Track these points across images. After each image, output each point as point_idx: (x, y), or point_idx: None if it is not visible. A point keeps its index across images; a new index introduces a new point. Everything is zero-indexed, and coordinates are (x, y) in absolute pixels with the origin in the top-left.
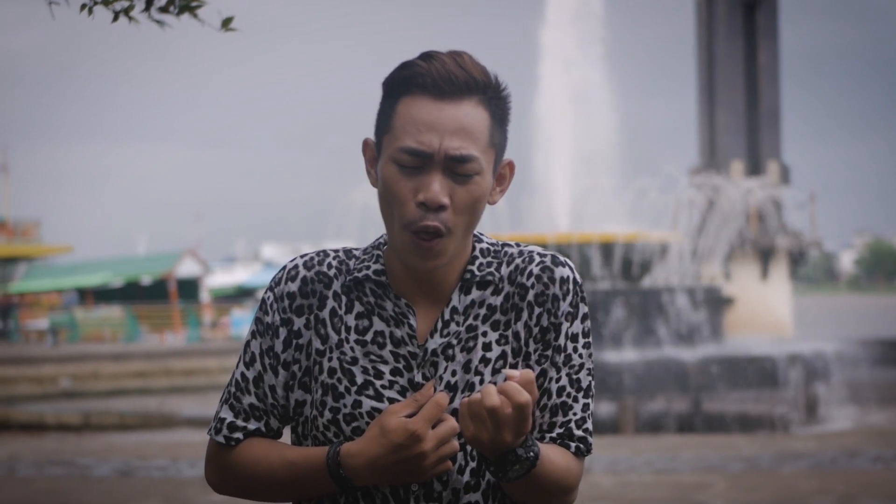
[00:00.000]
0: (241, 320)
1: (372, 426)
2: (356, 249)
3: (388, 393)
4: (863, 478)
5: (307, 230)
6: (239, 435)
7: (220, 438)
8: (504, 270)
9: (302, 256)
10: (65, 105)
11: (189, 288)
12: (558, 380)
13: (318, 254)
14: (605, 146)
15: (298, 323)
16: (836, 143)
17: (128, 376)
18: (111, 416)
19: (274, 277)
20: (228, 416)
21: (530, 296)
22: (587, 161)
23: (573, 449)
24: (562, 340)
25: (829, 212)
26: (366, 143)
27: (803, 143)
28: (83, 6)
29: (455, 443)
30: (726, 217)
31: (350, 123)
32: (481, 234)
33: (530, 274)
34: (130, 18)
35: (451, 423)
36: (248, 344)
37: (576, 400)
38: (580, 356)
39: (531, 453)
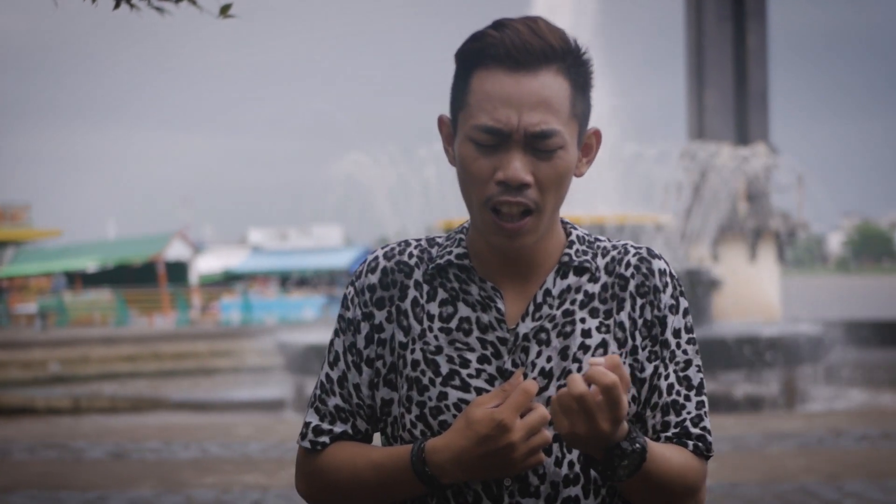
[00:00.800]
0: (231, 306)
1: (458, 419)
2: (439, 237)
3: (475, 382)
4: (849, 457)
5: (295, 215)
6: (325, 439)
7: (307, 444)
8: (600, 261)
9: (382, 247)
10: (53, 88)
11: (178, 271)
12: (667, 377)
13: (399, 244)
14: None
15: (380, 316)
16: (824, 124)
17: (117, 360)
18: (101, 400)
19: (354, 271)
20: (314, 419)
21: (631, 286)
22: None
23: (691, 447)
24: (668, 335)
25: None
26: (441, 121)
27: (791, 125)
28: None
29: (546, 433)
30: (715, 197)
31: (336, 104)
32: (573, 224)
33: (628, 264)
34: (132, 6)
35: (540, 411)
36: (331, 343)
37: (688, 398)
38: (685, 352)
39: (637, 445)
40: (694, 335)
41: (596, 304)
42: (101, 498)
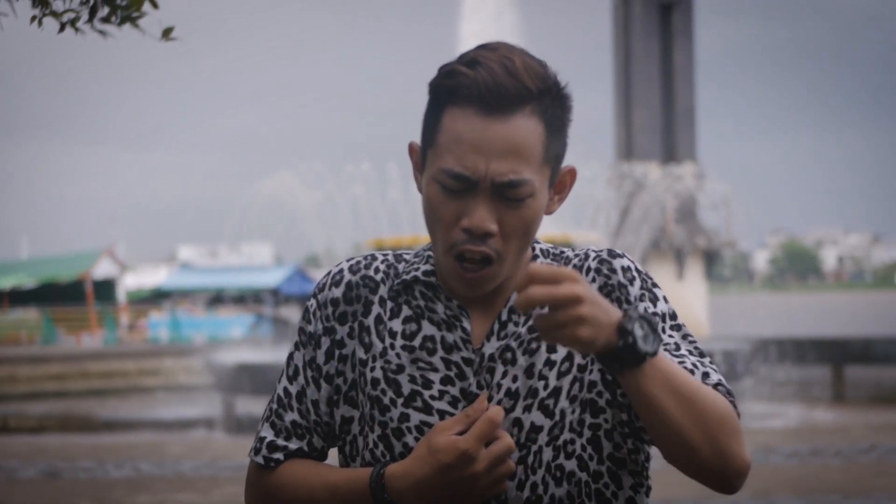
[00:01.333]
0: (159, 323)
1: (419, 445)
2: (406, 253)
3: (437, 404)
4: (779, 473)
5: (224, 232)
6: (279, 455)
7: (260, 459)
8: None
9: (348, 260)
10: None
11: (106, 289)
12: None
13: (365, 257)
14: None
15: (342, 332)
16: (751, 142)
17: (45, 379)
18: (30, 419)
19: (318, 283)
20: (269, 434)
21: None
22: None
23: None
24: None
25: (743, 211)
26: (412, 148)
27: (719, 143)
28: (33, 18)
29: (511, 463)
30: (643, 216)
31: (265, 122)
32: (536, 239)
33: (588, 269)
34: (77, 30)
35: (506, 441)
36: (290, 356)
37: (695, 366)
38: (671, 337)
39: (640, 310)
40: (679, 322)
41: None
42: None
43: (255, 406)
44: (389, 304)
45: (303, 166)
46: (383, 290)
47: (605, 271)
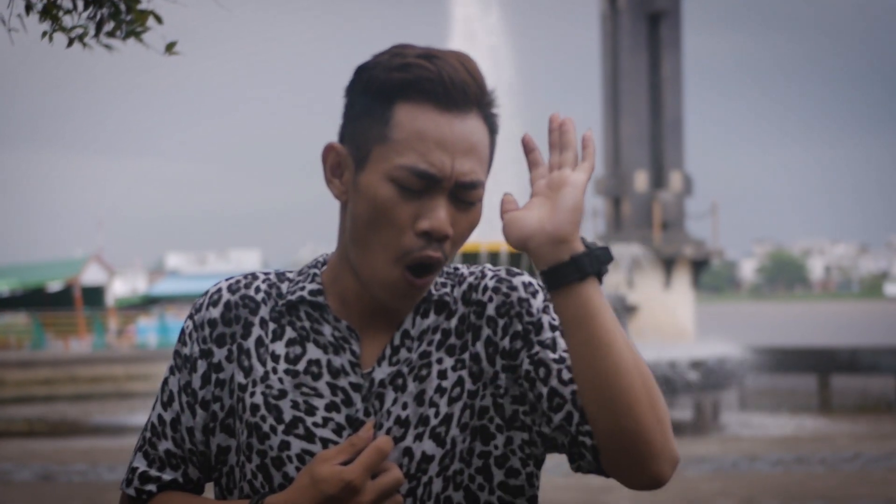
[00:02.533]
0: (147, 328)
1: (301, 474)
2: (290, 272)
3: (320, 432)
4: (763, 481)
5: (211, 239)
6: (152, 487)
7: (131, 491)
8: (457, 291)
9: (227, 280)
10: None
11: (94, 294)
12: (560, 372)
13: (245, 276)
14: (507, 157)
15: (219, 355)
16: (738, 152)
17: (34, 383)
18: (19, 424)
19: (195, 303)
20: (141, 465)
21: (490, 310)
22: (491, 172)
23: None
24: (547, 334)
25: (730, 221)
26: (331, 149)
27: (706, 153)
28: (44, 34)
29: (399, 496)
30: (631, 225)
31: (258, 133)
32: None
33: (485, 288)
34: (85, 45)
35: (394, 473)
36: (165, 381)
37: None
38: (563, 344)
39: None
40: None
41: (452, 339)
42: None
43: None
44: (272, 326)
45: (289, 173)
46: (264, 311)
47: (504, 290)
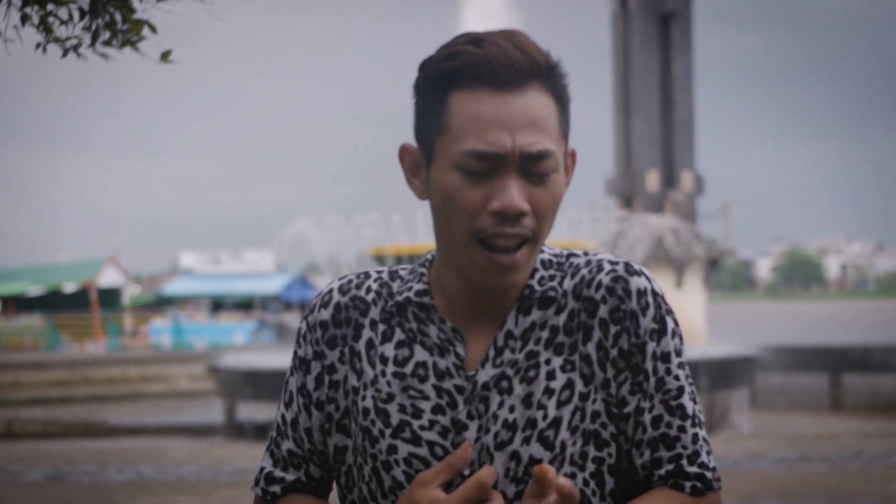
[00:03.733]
0: (161, 329)
1: (401, 499)
2: (403, 268)
3: (426, 435)
4: (765, 479)
5: (225, 239)
6: (276, 489)
7: (258, 491)
8: (567, 284)
9: (340, 279)
10: None
11: (111, 297)
12: (651, 409)
13: (357, 276)
14: None
15: (332, 356)
16: (752, 151)
17: (49, 385)
18: (34, 424)
19: (309, 304)
20: (268, 464)
21: (603, 312)
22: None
23: (688, 489)
24: (649, 364)
25: (745, 220)
26: (405, 150)
27: (718, 153)
28: (38, 45)
29: None
30: (642, 224)
31: (271, 131)
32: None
33: (599, 285)
34: (79, 55)
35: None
36: (286, 382)
37: (682, 430)
38: (676, 378)
39: None
40: (683, 359)
41: (561, 337)
42: None
43: (256, 412)
44: (381, 327)
45: (304, 174)
46: (374, 312)
47: (620, 292)
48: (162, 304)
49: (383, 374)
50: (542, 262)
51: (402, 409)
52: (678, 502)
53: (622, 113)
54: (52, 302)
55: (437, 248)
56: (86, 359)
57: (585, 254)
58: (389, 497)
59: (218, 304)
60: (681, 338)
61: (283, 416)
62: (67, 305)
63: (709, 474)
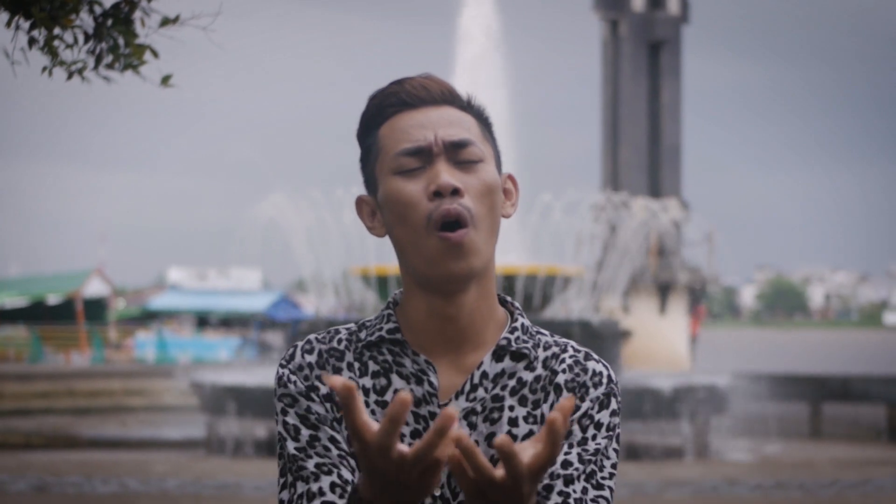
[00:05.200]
0: (145, 343)
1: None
2: (368, 320)
3: None
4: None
5: (213, 253)
6: (317, 503)
7: None
8: (541, 353)
9: (313, 335)
10: None
11: (96, 309)
12: (567, 454)
13: (328, 331)
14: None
15: (324, 389)
16: (738, 178)
17: (31, 396)
18: (17, 436)
19: (284, 357)
20: (300, 488)
21: (560, 379)
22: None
23: None
24: (584, 421)
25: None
26: (361, 200)
27: (704, 180)
28: (44, 68)
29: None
30: (626, 249)
31: (256, 145)
32: (522, 311)
33: (562, 361)
34: (84, 78)
35: (437, 460)
36: (283, 424)
37: (587, 479)
38: (598, 444)
39: None
40: (615, 443)
41: (526, 392)
42: None
43: (238, 428)
44: (357, 365)
45: (292, 191)
46: (349, 357)
47: (578, 370)
48: (147, 317)
49: (367, 404)
50: (522, 325)
51: None
52: None
53: (610, 139)
54: (36, 313)
55: (403, 278)
56: (69, 371)
57: (551, 335)
58: None
59: (203, 320)
60: (618, 426)
61: (295, 448)
62: (52, 317)
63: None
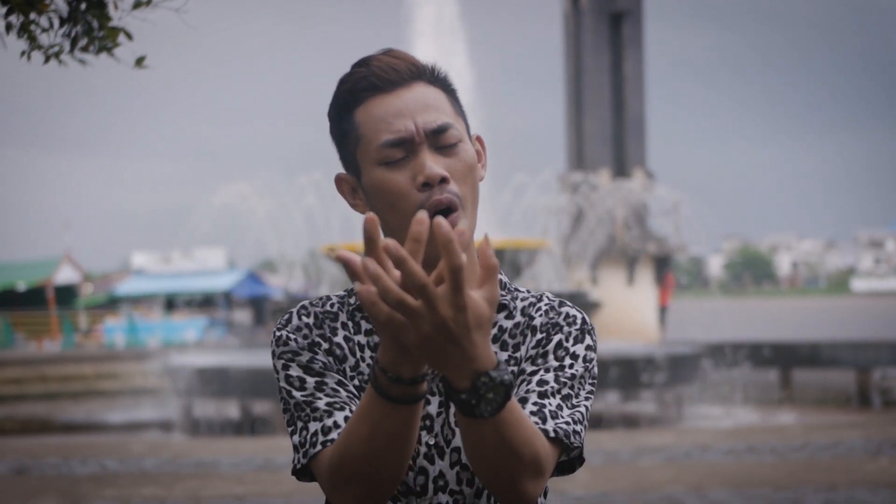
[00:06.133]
0: (114, 328)
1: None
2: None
3: None
4: (714, 469)
5: (177, 238)
6: (334, 435)
7: (319, 447)
8: (518, 303)
9: (306, 300)
10: None
11: (67, 295)
12: (543, 375)
13: (319, 298)
14: None
15: (324, 346)
16: (703, 149)
17: (3, 383)
18: None
19: (280, 321)
20: (313, 427)
21: (537, 321)
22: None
23: (551, 431)
24: (559, 352)
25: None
26: (340, 179)
27: (669, 151)
28: (22, 52)
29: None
30: (595, 223)
31: (219, 128)
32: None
33: (539, 308)
34: (60, 62)
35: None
36: (286, 378)
37: (558, 397)
38: (574, 371)
39: (506, 377)
40: (594, 375)
41: (506, 338)
42: None
43: (211, 408)
44: (350, 325)
45: (256, 173)
46: (342, 317)
47: (553, 314)
48: (115, 303)
49: (363, 359)
50: (500, 281)
51: None
52: (536, 428)
53: (574, 111)
54: (6, 300)
55: None
56: (41, 357)
57: (528, 290)
58: None
59: (171, 303)
60: (594, 363)
61: (302, 397)
62: (21, 304)
63: (572, 435)
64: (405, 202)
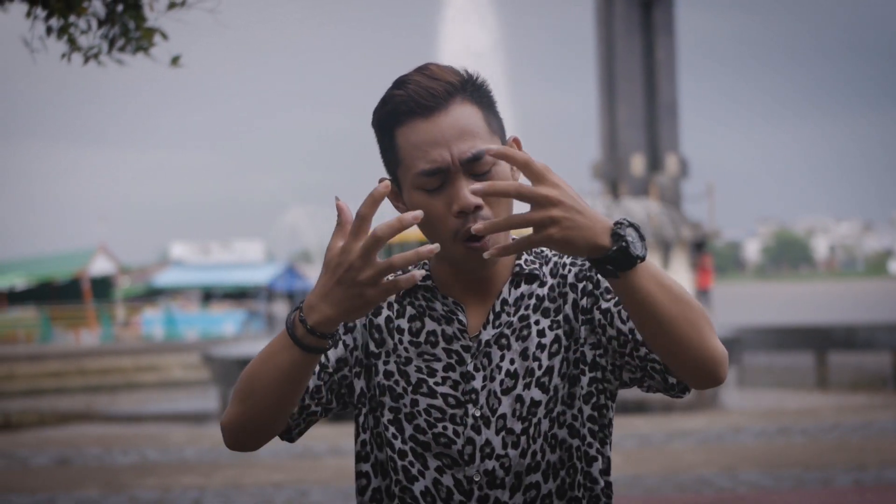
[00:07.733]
0: (153, 320)
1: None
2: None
3: (440, 389)
4: (745, 451)
5: (216, 229)
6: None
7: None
8: (546, 268)
9: None
10: None
11: (103, 286)
12: (619, 312)
13: None
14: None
15: (359, 322)
16: (736, 133)
17: (44, 376)
18: (32, 415)
19: None
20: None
21: (570, 277)
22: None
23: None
24: (603, 293)
25: (731, 201)
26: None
27: (703, 135)
28: (63, 55)
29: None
30: (628, 207)
31: (259, 120)
32: None
33: (565, 264)
34: (99, 62)
35: (373, 232)
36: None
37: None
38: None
39: (626, 219)
40: None
41: (546, 304)
42: (50, 500)
43: None
44: (396, 306)
45: (293, 163)
46: (391, 298)
47: (579, 262)
48: (153, 294)
49: (401, 342)
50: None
51: (419, 369)
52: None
53: (606, 98)
54: (44, 293)
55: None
56: (80, 350)
57: (551, 251)
58: (409, 443)
59: (208, 295)
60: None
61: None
62: (58, 297)
63: None
64: (442, 226)
